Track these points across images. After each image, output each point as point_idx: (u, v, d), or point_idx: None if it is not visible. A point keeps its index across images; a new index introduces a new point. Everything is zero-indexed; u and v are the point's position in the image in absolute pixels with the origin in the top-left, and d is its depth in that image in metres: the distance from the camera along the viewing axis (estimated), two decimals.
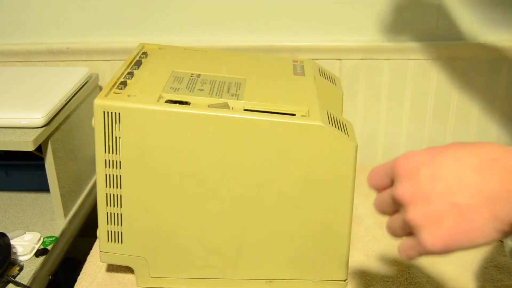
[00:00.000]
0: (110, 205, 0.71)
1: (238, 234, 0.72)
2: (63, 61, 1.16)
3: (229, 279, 0.76)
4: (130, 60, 0.78)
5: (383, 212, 0.47)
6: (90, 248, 0.87)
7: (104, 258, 0.75)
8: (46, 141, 0.91)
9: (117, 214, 0.71)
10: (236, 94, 0.71)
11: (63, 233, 0.96)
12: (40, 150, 0.92)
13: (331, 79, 0.83)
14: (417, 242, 0.42)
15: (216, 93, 0.71)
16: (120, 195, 0.70)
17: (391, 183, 0.46)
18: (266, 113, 0.67)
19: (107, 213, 0.71)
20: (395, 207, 0.45)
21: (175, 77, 0.74)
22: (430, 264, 0.82)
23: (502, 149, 0.40)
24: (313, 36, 1.12)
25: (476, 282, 0.79)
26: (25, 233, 0.92)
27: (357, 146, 0.67)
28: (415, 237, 0.43)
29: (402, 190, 0.43)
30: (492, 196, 0.39)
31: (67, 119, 0.99)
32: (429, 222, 0.41)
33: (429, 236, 0.41)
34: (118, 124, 0.66)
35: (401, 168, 0.44)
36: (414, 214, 0.42)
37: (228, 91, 0.72)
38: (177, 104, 0.67)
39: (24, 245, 0.89)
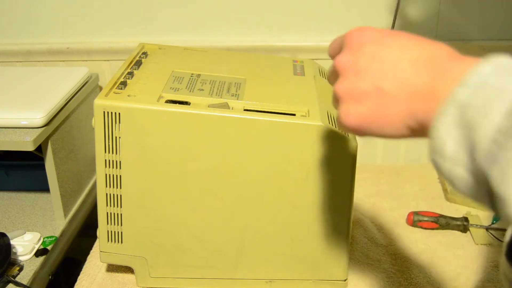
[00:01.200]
0: (110, 205, 0.71)
1: (238, 234, 0.72)
2: (63, 61, 1.16)
3: (229, 279, 0.76)
4: (130, 60, 0.78)
5: (329, 81, 0.47)
6: (90, 248, 0.87)
7: (104, 258, 0.75)
8: (46, 141, 0.91)
9: (117, 214, 0.71)
10: (236, 94, 0.71)
11: (63, 233, 0.96)
12: (40, 150, 0.92)
13: None
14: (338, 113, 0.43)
15: (216, 93, 0.71)
16: (120, 195, 0.70)
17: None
18: (266, 113, 0.67)
19: (107, 213, 0.71)
20: (335, 75, 0.45)
21: (175, 77, 0.74)
22: (430, 264, 0.82)
23: (445, 50, 0.39)
24: (313, 36, 1.11)
25: (476, 282, 0.79)
26: (25, 233, 0.92)
27: (357, 146, 0.67)
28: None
29: (340, 60, 0.43)
30: (414, 91, 0.38)
31: (67, 119, 0.99)
32: (351, 98, 0.42)
33: (346, 111, 0.42)
34: (118, 124, 0.66)
35: (350, 38, 0.44)
36: (340, 86, 0.43)
37: (228, 91, 0.72)
38: (177, 104, 0.67)
39: (24, 245, 0.89)
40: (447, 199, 0.99)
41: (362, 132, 0.42)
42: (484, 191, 0.33)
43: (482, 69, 0.34)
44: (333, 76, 0.46)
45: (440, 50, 0.39)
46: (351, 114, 0.42)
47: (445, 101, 0.35)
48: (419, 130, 0.39)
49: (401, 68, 0.39)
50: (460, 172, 0.34)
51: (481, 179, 0.33)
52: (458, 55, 0.38)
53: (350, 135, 0.68)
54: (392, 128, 0.40)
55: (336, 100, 0.44)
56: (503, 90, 0.32)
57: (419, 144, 1.20)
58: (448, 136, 0.34)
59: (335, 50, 0.47)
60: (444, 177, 0.36)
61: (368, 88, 0.41)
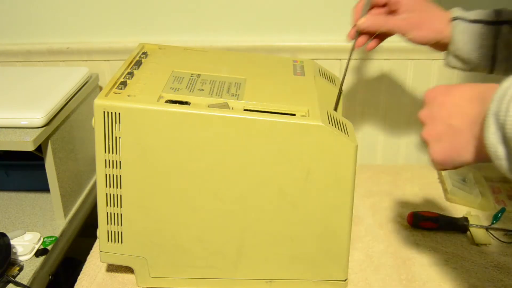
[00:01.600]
0: (110, 205, 0.71)
1: (238, 234, 0.72)
2: (63, 61, 1.16)
3: (229, 279, 0.76)
4: (130, 60, 0.78)
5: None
6: (90, 248, 0.87)
7: (104, 258, 0.75)
8: (46, 141, 0.91)
9: (117, 214, 0.71)
10: (236, 94, 0.71)
11: (63, 233, 0.96)
12: (40, 150, 0.92)
13: (331, 79, 0.83)
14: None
15: (216, 93, 0.71)
16: (120, 195, 0.70)
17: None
18: (266, 113, 0.67)
19: (107, 213, 0.71)
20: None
21: (175, 77, 0.74)
22: (430, 264, 0.82)
23: (491, 85, 0.49)
24: (313, 36, 1.12)
25: (476, 282, 0.79)
26: (25, 233, 0.92)
27: (357, 146, 0.67)
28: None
29: (422, 113, 0.56)
30: (473, 119, 0.49)
31: (67, 119, 0.99)
32: (434, 139, 0.53)
33: (433, 150, 0.53)
34: (118, 124, 0.66)
35: (427, 95, 0.56)
36: (425, 132, 0.55)
37: (228, 91, 0.72)
38: (177, 104, 0.67)
39: (24, 245, 0.89)
40: (447, 199, 0.99)
41: (449, 164, 0.53)
42: None
43: (504, 84, 0.45)
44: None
45: (487, 87, 0.50)
46: (437, 151, 0.53)
47: (487, 117, 0.45)
48: (483, 148, 0.47)
49: (461, 106, 0.51)
50: (506, 160, 0.44)
51: None
52: (497, 85, 0.47)
53: (350, 135, 0.68)
54: (466, 153, 0.51)
55: (426, 144, 0.55)
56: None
57: (419, 144, 1.20)
58: (497, 143, 0.45)
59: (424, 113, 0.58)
60: (507, 174, 0.45)
61: (443, 128, 0.52)
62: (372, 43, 0.77)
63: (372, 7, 0.75)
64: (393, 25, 0.71)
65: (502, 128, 0.44)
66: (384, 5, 0.76)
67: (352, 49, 0.75)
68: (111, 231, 0.73)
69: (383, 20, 0.72)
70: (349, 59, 0.75)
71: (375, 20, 0.72)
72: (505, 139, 0.44)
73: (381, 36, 0.77)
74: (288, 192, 0.69)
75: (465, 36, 0.72)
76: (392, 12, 0.75)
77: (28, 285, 0.83)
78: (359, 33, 0.75)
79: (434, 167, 0.55)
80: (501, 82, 0.47)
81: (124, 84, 0.70)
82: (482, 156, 0.49)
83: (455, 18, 0.73)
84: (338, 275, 0.75)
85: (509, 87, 0.45)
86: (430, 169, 1.11)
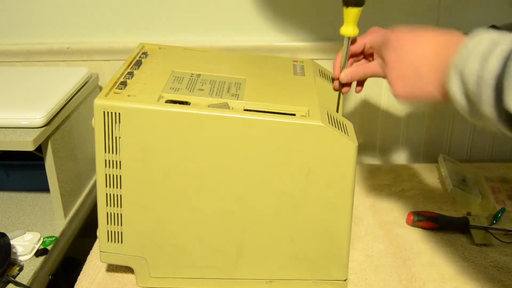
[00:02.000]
0: (110, 205, 0.71)
1: (238, 234, 0.72)
2: (63, 61, 1.16)
3: (229, 279, 0.76)
4: (130, 60, 0.78)
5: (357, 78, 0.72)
6: (90, 248, 0.87)
7: (104, 258, 0.75)
8: (46, 141, 0.91)
9: (117, 214, 0.71)
10: (236, 94, 0.71)
11: (63, 233, 0.96)
12: (40, 150, 0.92)
13: (331, 79, 0.83)
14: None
15: (216, 93, 0.71)
16: (120, 195, 0.70)
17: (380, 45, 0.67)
18: (266, 113, 0.67)
19: (107, 213, 0.71)
20: (381, 62, 0.66)
21: (175, 77, 0.74)
22: (430, 264, 0.82)
23: (455, 36, 0.56)
24: (313, 36, 1.12)
25: (476, 282, 0.79)
26: (25, 233, 0.92)
27: (357, 146, 0.67)
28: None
29: (387, 54, 0.62)
30: (437, 65, 0.56)
31: (67, 119, 0.99)
32: (397, 77, 0.61)
33: (396, 86, 0.62)
34: (118, 124, 0.66)
35: (393, 37, 0.63)
36: (391, 73, 0.62)
37: (228, 91, 0.72)
38: (177, 104, 0.67)
39: (24, 245, 0.89)
40: (447, 199, 0.99)
41: (410, 99, 0.61)
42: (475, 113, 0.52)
43: (469, 44, 0.51)
44: (379, 64, 0.68)
45: (452, 37, 0.57)
46: (400, 88, 0.61)
47: (451, 68, 0.53)
48: (443, 92, 0.56)
49: (428, 51, 0.58)
50: (467, 110, 0.52)
51: (480, 112, 0.50)
52: (462, 38, 0.54)
53: (350, 135, 0.68)
54: (427, 93, 0.59)
55: (388, 82, 0.63)
56: (474, 51, 0.50)
57: (419, 144, 1.20)
58: (459, 93, 0.52)
59: (376, 42, 0.69)
60: (467, 117, 0.53)
61: (408, 68, 0.60)
62: (358, 88, 0.81)
63: (351, 56, 0.78)
64: (372, 72, 0.74)
65: (462, 82, 0.51)
66: (361, 53, 0.78)
67: (339, 96, 0.79)
68: (111, 231, 0.73)
69: (362, 70, 0.75)
70: (339, 97, 0.79)
71: (355, 72, 0.75)
72: (465, 91, 0.51)
73: (364, 79, 0.80)
74: (288, 192, 0.69)
75: None
76: (370, 56, 0.78)
77: (28, 285, 0.83)
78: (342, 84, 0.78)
79: (397, 100, 0.63)
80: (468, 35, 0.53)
81: (124, 84, 0.70)
82: (442, 96, 0.57)
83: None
84: (338, 275, 0.75)
85: (470, 45, 0.51)
86: (430, 169, 1.11)
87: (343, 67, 0.76)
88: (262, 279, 0.76)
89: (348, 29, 0.72)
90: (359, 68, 0.75)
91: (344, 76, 0.75)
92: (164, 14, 1.12)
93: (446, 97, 0.56)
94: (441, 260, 0.83)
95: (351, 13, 0.67)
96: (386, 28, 0.70)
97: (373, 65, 0.73)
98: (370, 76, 0.75)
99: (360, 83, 0.80)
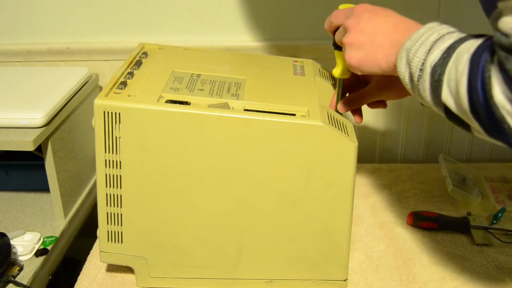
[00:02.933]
0: (110, 205, 0.71)
1: (238, 234, 0.72)
2: (63, 61, 1.16)
3: (229, 279, 0.76)
4: (130, 60, 0.78)
5: (336, 38, 0.69)
6: (90, 248, 0.87)
7: (104, 258, 0.75)
8: (46, 141, 0.91)
9: (117, 214, 0.71)
10: (236, 94, 0.71)
11: (63, 233, 0.96)
12: (40, 150, 0.92)
13: (332, 79, 0.83)
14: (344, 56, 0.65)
15: (216, 93, 0.71)
16: (120, 195, 0.70)
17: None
18: (266, 113, 0.67)
19: (107, 213, 0.71)
20: (343, 31, 0.66)
21: (175, 77, 0.74)
22: (431, 264, 0.82)
23: (412, 21, 0.60)
24: (313, 36, 1.12)
25: (477, 282, 0.79)
26: (25, 233, 0.92)
27: (357, 146, 0.67)
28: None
29: (349, 22, 0.64)
30: (393, 42, 0.59)
31: (67, 119, 0.99)
32: (354, 46, 0.63)
33: (350, 55, 0.63)
34: (118, 124, 0.66)
35: (358, 8, 0.65)
36: (348, 38, 0.64)
37: (228, 91, 0.72)
38: (177, 104, 0.67)
39: (24, 245, 0.89)
40: (447, 199, 0.99)
41: (360, 69, 0.63)
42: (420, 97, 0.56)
43: (421, 30, 0.56)
44: (340, 33, 0.67)
45: (412, 22, 0.60)
46: (353, 56, 0.63)
47: (402, 49, 0.57)
48: (392, 67, 0.59)
49: (386, 27, 0.61)
50: (410, 89, 0.57)
51: (421, 94, 0.55)
52: (418, 24, 0.59)
53: (350, 135, 0.68)
54: (378, 66, 0.61)
55: (344, 47, 0.65)
56: (425, 40, 0.54)
57: (419, 145, 1.20)
58: (405, 72, 0.56)
59: (339, 18, 0.68)
60: (411, 92, 0.57)
61: (366, 40, 0.62)
62: (357, 118, 0.78)
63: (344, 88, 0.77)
64: (367, 98, 0.75)
65: (409, 63, 0.55)
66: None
67: (339, 96, 0.77)
68: (111, 231, 0.73)
69: (358, 99, 0.75)
70: (338, 97, 0.77)
71: (350, 103, 0.75)
72: (410, 72, 0.55)
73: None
74: (288, 192, 0.69)
75: None
76: (364, 81, 0.77)
77: (28, 285, 0.83)
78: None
79: (350, 68, 0.65)
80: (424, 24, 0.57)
81: (124, 84, 0.70)
82: (390, 71, 0.60)
83: None
84: (338, 275, 0.75)
85: (424, 33, 0.55)
86: (430, 169, 1.11)
87: (338, 100, 0.75)
88: (262, 279, 0.76)
89: (339, 71, 0.73)
90: (354, 98, 0.75)
91: (340, 109, 0.75)
92: (164, 14, 1.12)
93: (393, 72, 0.60)
94: (442, 260, 0.83)
95: (342, 56, 0.68)
96: None
97: (367, 92, 0.74)
98: (367, 102, 0.75)
99: (358, 112, 0.78)
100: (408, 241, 0.88)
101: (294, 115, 0.68)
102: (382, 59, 0.61)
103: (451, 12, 1.08)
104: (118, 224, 0.72)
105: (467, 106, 0.48)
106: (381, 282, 0.79)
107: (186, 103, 0.68)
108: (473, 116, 0.49)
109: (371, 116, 1.18)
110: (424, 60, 0.53)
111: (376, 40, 0.61)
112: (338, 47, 0.70)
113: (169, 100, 0.68)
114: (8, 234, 0.85)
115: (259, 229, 0.72)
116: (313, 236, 0.72)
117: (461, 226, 0.90)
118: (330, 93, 0.79)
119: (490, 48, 0.47)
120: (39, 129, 0.89)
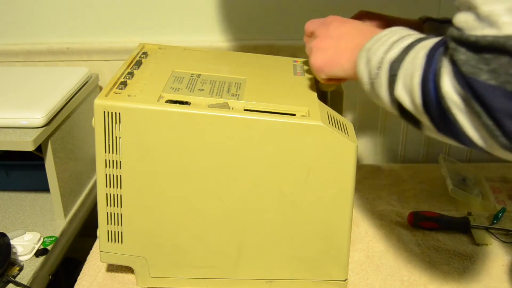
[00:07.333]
0: (110, 205, 0.71)
1: (238, 234, 0.72)
2: (63, 61, 1.16)
3: (229, 279, 0.76)
4: (130, 60, 0.78)
5: (306, 42, 0.72)
6: (90, 248, 0.87)
7: (104, 258, 0.75)
8: (46, 141, 0.91)
9: (117, 214, 0.71)
10: (236, 94, 0.71)
11: (63, 233, 0.96)
12: (40, 150, 0.92)
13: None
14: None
15: (216, 93, 0.71)
16: (120, 195, 0.70)
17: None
18: (266, 113, 0.67)
19: (107, 213, 0.71)
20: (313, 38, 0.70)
21: (175, 77, 0.74)
22: (431, 264, 0.82)
23: (377, 29, 0.62)
24: None
25: (478, 282, 0.79)
26: (25, 233, 0.92)
27: (357, 146, 0.67)
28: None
29: (319, 29, 0.68)
30: (356, 46, 0.61)
31: (67, 119, 0.99)
32: (320, 49, 0.66)
33: (315, 57, 0.67)
34: (118, 124, 0.66)
35: (329, 18, 0.69)
36: (314, 42, 0.67)
37: (228, 91, 0.72)
38: (177, 104, 0.67)
39: (24, 245, 0.89)
40: (448, 199, 0.99)
41: (323, 72, 0.66)
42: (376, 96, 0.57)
43: (382, 32, 0.58)
44: (310, 39, 0.70)
45: (376, 29, 0.63)
46: (318, 58, 0.66)
47: (362, 49, 0.59)
48: (355, 70, 0.60)
49: (352, 33, 0.64)
50: (368, 89, 0.58)
51: (376, 92, 0.56)
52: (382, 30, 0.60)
53: (350, 135, 0.68)
54: (341, 69, 0.64)
55: (310, 51, 0.68)
56: (385, 40, 0.56)
57: (419, 145, 1.20)
58: (364, 71, 0.57)
59: (311, 27, 0.71)
60: (369, 95, 0.59)
61: (331, 43, 0.65)
62: None
63: None
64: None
65: (368, 62, 0.56)
66: None
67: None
68: (111, 231, 0.72)
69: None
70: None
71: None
72: (369, 70, 0.56)
73: None
74: (288, 192, 0.69)
75: (435, 33, 0.76)
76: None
77: (28, 285, 0.83)
78: None
79: (313, 72, 0.68)
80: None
81: (124, 84, 0.70)
82: (353, 73, 0.62)
83: (426, 20, 0.83)
84: (338, 275, 0.75)
85: (385, 35, 0.57)
86: (430, 169, 1.11)
87: None
88: (262, 279, 0.76)
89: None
90: None
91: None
92: (164, 14, 1.12)
93: (354, 75, 0.61)
94: (442, 260, 0.83)
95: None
96: None
97: None
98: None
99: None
100: (408, 241, 0.88)
101: (294, 115, 0.68)
102: (345, 61, 0.63)
103: (451, 12, 1.08)
104: (118, 224, 0.72)
105: (419, 99, 0.49)
106: (382, 282, 0.79)
107: (186, 103, 0.68)
108: (424, 110, 0.49)
109: (371, 116, 1.18)
110: (383, 57, 0.54)
111: (341, 44, 0.64)
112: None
113: (169, 100, 0.68)
114: (8, 234, 0.85)
115: (259, 229, 0.72)
116: (313, 236, 0.72)
117: (461, 226, 0.90)
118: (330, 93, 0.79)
119: (446, 42, 0.48)
120: (39, 129, 0.89)
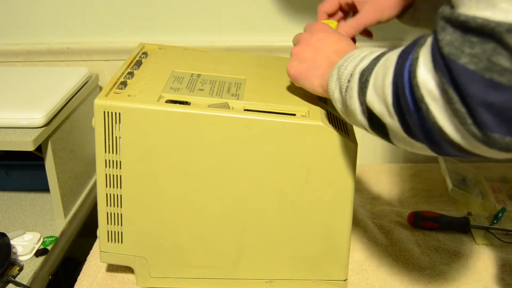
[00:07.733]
0: (110, 205, 0.71)
1: (238, 234, 0.72)
2: (63, 61, 1.16)
3: (229, 279, 0.76)
4: (130, 60, 0.78)
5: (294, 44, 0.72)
6: (90, 248, 0.87)
7: (104, 258, 0.75)
8: (46, 141, 0.91)
9: (117, 214, 0.71)
10: (236, 94, 0.71)
11: (63, 233, 0.96)
12: (40, 150, 0.92)
13: None
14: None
15: (216, 93, 0.71)
16: (120, 195, 0.70)
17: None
18: (266, 113, 0.67)
19: (107, 213, 0.71)
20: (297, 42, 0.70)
21: (175, 77, 0.74)
22: (431, 264, 0.82)
23: (353, 46, 0.64)
24: None
25: (478, 282, 0.79)
26: (25, 233, 0.92)
27: (357, 146, 0.67)
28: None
29: (304, 36, 0.68)
30: (330, 63, 0.62)
31: (67, 119, 0.99)
32: (298, 58, 0.67)
33: (292, 64, 0.67)
34: (118, 124, 0.66)
35: (315, 26, 0.69)
36: (296, 49, 0.67)
37: (228, 91, 0.72)
38: (177, 104, 0.67)
39: (24, 245, 0.89)
40: (448, 199, 0.99)
41: (295, 81, 0.68)
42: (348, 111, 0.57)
43: (354, 50, 0.59)
44: (295, 44, 0.71)
45: (352, 46, 0.64)
46: (294, 67, 0.67)
47: (334, 67, 0.60)
48: (325, 88, 0.62)
49: (330, 50, 0.64)
50: (340, 106, 0.59)
51: (347, 106, 0.57)
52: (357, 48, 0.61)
53: (350, 135, 0.68)
54: (313, 84, 0.65)
55: (291, 56, 0.69)
56: (356, 56, 0.57)
57: None
58: (335, 89, 0.59)
59: (305, 29, 0.71)
60: (340, 113, 0.60)
61: (309, 56, 0.66)
62: (368, 34, 0.79)
63: (333, 14, 0.78)
64: (365, 23, 0.74)
65: (339, 79, 0.57)
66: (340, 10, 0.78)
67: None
68: (111, 231, 0.72)
69: (355, 25, 0.75)
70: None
71: (347, 31, 0.75)
72: (340, 86, 0.57)
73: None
74: (288, 192, 0.69)
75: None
76: (353, 10, 0.77)
77: (28, 285, 0.83)
78: None
79: (288, 76, 0.68)
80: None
81: (124, 84, 0.70)
82: (323, 91, 0.64)
83: None
84: (338, 275, 0.75)
85: (356, 52, 0.58)
86: (430, 169, 1.11)
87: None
88: (262, 279, 0.76)
89: None
90: (350, 25, 0.75)
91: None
92: (164, 14, 1.12)
93: (325, 92, 0.63)
94: (443, 260, 0.83)
95: None
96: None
97: (362, 16, 0.74)
98: (366, 27, 0.75)
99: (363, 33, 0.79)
100: (409, 241, 0.88)
101: (294, 115, 0.68)
102: (316, 77, 0.64)
103: None
104: (118, 224, 0.72)
105: (390, 97, 0.48)
106: (382, 282, 0.79)
107: (186, 103, 0.68)
108: (394, 109, 0.49)
109: None
110: (353, 70, 0.55)
111: (317, 59, 0.64)
112: None
113: (169, 100, 0.68)
114: (8, 234, 0.85)
115: (259, 229, 0.72)
116: (313, 236, 0.72)
117: (461, 226, 0.90)
118: None
119: (423, 38, 0.47)
120: (39, 129, 0.89)
